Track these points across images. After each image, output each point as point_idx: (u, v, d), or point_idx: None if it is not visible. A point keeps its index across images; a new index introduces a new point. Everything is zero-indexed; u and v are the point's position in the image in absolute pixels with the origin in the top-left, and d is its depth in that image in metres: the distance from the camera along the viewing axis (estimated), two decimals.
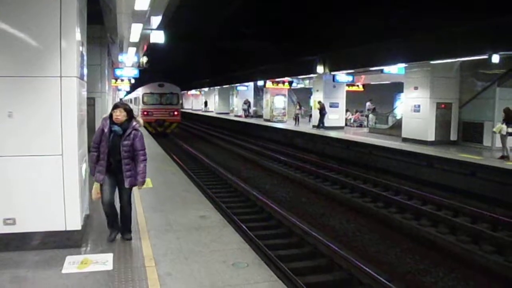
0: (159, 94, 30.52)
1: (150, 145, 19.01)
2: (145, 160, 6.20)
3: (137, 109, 31.44)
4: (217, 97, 50.94)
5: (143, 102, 30.63)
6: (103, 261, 5.49)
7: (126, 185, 6.09)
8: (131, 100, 40.59)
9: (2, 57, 5.56)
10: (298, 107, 32.52)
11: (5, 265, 5.33)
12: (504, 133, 14.65)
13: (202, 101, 60.95)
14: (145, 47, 20.78)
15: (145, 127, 27.72)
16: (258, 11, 18.30)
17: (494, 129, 15.09)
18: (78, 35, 5.88)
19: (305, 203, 12.78)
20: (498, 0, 12.29)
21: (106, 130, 6.04)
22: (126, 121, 6.10)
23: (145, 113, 29.84)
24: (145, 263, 5.48)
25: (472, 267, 8.11)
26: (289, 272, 7.26)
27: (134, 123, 6.21)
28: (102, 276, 5.11)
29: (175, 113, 30.87)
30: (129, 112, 6.19)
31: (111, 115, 6.09)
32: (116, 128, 6.03)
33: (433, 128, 19.19)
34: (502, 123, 14.83)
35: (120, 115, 6.04)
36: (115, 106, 6.13)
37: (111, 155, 6.03)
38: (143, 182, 6.24)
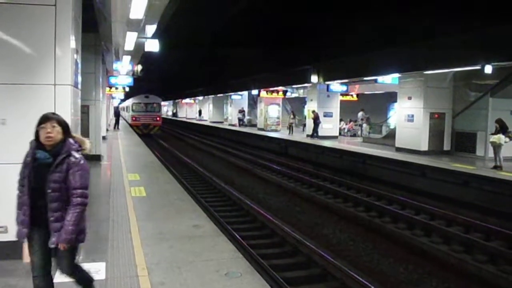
0: (145, 103, 37.94)
1: (143, 152, 19.00)
2: (79, 205, 3.96)
3: (128, 116, 41.18)
4: (211, 106, 51.04)
5: (132, 110, 37.96)
6: (96, 270, 5.45)
7: (51, 243, 3.88)
8: (124, 108, 48.22)
9: None
10: (292, 116, 32.61)
11: None
12: (503, 143, 14.71)
13: (196, 109, 61.00)
14: (137, 64, 20.90)
15: (133, 129, 36.33)
16: (253, 20, 18.35)
17: (493, 139, 15.04)
18: (72, 43, 5.88)
19: (298, 212, 12.76)
20: (491, 11, 12.40)
21: (29, 157, 3.99)
22: (59, 143, 3.95)
23: (134, 118, 37.70)
24: (138, 272, 5.46)
25: (465, 277, 8.12)
26: (282, 281, 7.24)
27: (72, 143, 4.04)
28: (95, 285, 5.07)
29: (157, 118, 38.47)
30: (65, 126, 4.07)
31: (37, 134, 3.99)
32: (40, 154, 3.92)
33: (426, 138, 19.28)
34: (495, 134, 14.91)
35: (52, 132, 3.92)
36: (44, 119, 4.01)
37: (35, 196, 3.92)
38: (68, 241, 3.88)
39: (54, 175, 3.87)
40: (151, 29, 13.25)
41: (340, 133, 29.67)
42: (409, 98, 19.91)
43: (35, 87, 5.66)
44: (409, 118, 19.85)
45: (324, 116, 27.56)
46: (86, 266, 5.55)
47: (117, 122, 36.46)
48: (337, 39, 18.71)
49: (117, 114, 38.29)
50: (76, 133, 6.11)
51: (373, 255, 9.23)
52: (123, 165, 14.72)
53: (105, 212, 8.36)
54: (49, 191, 3.87)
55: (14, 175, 5.65)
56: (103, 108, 21.05)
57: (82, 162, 4.01)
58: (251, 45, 22.41)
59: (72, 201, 3.93)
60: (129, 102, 40.54)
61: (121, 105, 56.56)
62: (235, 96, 42.51)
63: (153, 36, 14.28)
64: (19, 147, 5.64)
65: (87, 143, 4.28)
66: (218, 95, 46.01)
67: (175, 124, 60.76)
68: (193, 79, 43.71)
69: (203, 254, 6.17)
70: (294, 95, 38.14)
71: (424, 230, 10.68)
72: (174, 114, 77.13)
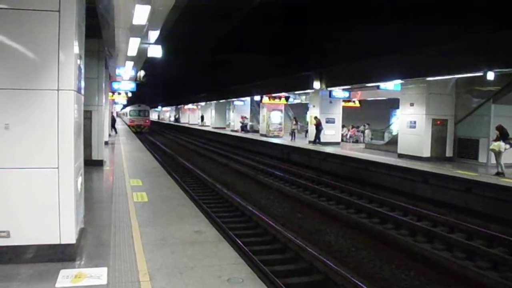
0: (138, 110, 52.36)
1: (146, 158, 19.01)
2: None
3: (127, 119, 57.00)
4: (213, 111, 51.11)
5: (130, 115, 53.37)
6: (98, 275, 5.46)
7: None
8: (124, 113, 65.90)
9: (0, 69, 5.59)
10: (294, 122, 32.61)
11: None
12: (503, 150, 14.70)
13: (198, 115, 61.13)
14: (139, 69, 20.98)
15: (130, 128, 50.35)
16: (256, 26, 18.40)
17: (493, 147, 15.04)
18: (76, 48, 5.90)
19: (300, 218, 12.75)
20: (494, 17, 12.41)
21: None
22: None
23: (131, 121, 52.47)
24: (140, 277, 5.45)
25: (467, 284, 8.09)
26: None
27: None
28: None
29: (147, 121, 53.37)
30: None
31: None
32: None
33: (428, 144, 19.27)
34: (496, 141, 14.90)
35: None
36: None
37: None
38: None
39: None
40: (154, 35, 13.26)
41: (342, 139, 29.67)
42: (411, 104, 19.92)
43: (38, 92, 5.67)
44: (411, 125, 19.85)
45: (326, 122, 27.59)
46: (89, 271, 5.58)
47: (113, 127, 36.82)
48: (340, 45, 18.72)
49: (113, 119, 38.78)
50: (79, 138, 6.13)
51: (375, 262, 9.21)
52: (125, 171, 14.74)
53: (107, 218, 8.36)
54: None
55: (17, 180, 5.70)
56: (106, 113, 21.09)
57: None
58: (254, 51, 22.45)
59: None
60: (127, 109, 56.78)
61: (121, 111, 72.47)
62: (237, 102, 42.55)
63: (156, 42, 14.31)
64: (22, 152, 5.70)
65: None
66: (221, 101, 46.09)
67: (177, 130, 60.89)
68: (196, 85, 43.82)
69: (204, 260, 6.17)
70: (296, 101, 38.16)
71: (426, 237, 10.67)
72: (177, 120, 77.25)
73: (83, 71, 6.80)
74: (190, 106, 64.74)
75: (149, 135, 47.61)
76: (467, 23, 12.95)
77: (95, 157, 15.34)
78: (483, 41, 13.48)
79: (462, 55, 14.53)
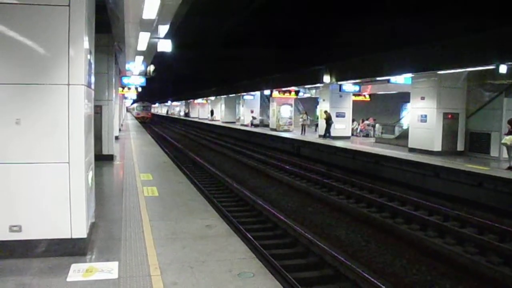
0: (142, 106, 68.25)
1: (156, 152, 19.06)
2: None
3: (135, 112, 75.50)
4: (223, 106, 51.08)
5: (136, 110, 70.72)
6: (109, 270, 5.48)
7: None
8: (133, 108, 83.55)
9: (10, 64, 5.61)
10: (305, 117, 32.52)
11: (9, 272, 5.32)
12: None
13: (208, 110, 61.22)
14: (149, 64, 21.00)
15: (137, 119, 63.01)
16: (266, 21, 18.35)
17: (505, 141, 14.89)
18: (86, 43, 5.91)
19: (311, 212, 12.72)
20: (506, 10, 12.27)
21: None
22: None
23: (137, 114, 68.62)
24: (151, 272, 5.46)
25: (479, 279, 8.03)
26: (295, 282, 7.22)
27: None
28: (107, 284, 5.10)
29: (149, 114, 69.26)
30: None
31: None
32: None
33: (439, 138, 19.13)
34: (508, 135, 14.75)
35: None
36: None
37: None
38: None
39: None
40: (163, 29, 13.27)
41: (352, 134, 29.56)
42: (422, 98, 19.77)
43: (48, 87, 5.68)
44: (422, 119, 19.71)
45: (337, 116, 27.47)
46: (100, 265, 5.60)
47: None
48: (350, 39, 18.62)
49: None
50: (90, 133, 6.13)
51: (386, 256, 9.17)
52: (135, 165, 14.79)
53: (118, 212, 8.40)
54: None
55: (28, 175, 5.73)
56: (116, 108, 21.15)
57: None
58: (264, 46, 22.40)
59: None
60: (135, 105, 76.23)
61: (131, 106, 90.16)
62: (247, 96, 42.50)
63: (166, 36, 14.31)
64: (32, 147, 5.72)
65: None
66: (230, 95, 46.03)
67: (187, 125, 61.03)
68: (205, 79, 43.83)
69: (215, 254, 6.17)
70: (306, 95, 38.05)
71: (437, 231, 10.60)
72: (186, 114, 77.51)
73: (93, 65, 6.81)
74: (200, 100, 64.87)
75: (159, 130, 47.68)
76: (480, 17, 12.82)
77: (105, 151, 15.40)
78: (496, 34, 13.33)
79: (474, 48, 14.39)
